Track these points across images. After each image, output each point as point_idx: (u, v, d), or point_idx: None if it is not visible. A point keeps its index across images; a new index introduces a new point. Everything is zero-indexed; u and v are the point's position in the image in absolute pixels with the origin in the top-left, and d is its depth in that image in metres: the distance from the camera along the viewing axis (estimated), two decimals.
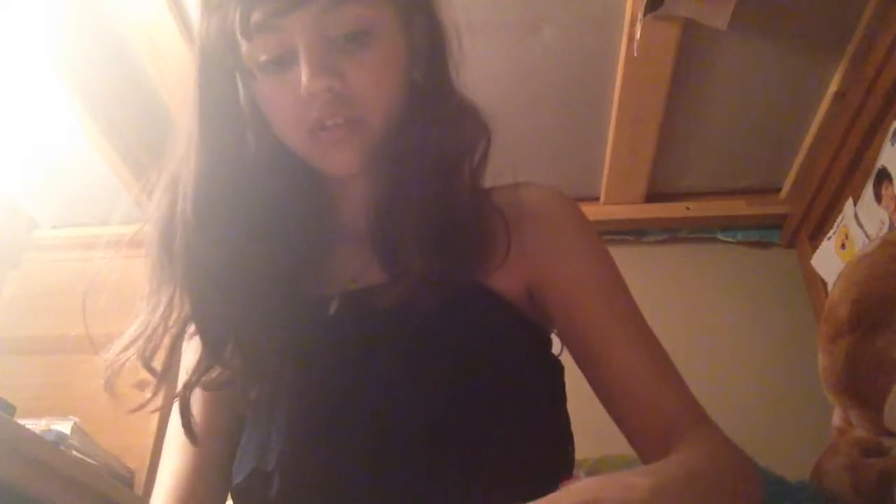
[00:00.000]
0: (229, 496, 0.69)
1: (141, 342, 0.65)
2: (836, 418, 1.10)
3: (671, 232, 1.81)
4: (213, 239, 0.62)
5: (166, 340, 0.66)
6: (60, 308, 1.77)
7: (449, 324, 0.62)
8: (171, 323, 0.66)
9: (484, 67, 1.53)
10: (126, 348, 0.66)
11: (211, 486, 0.68)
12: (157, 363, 0.66)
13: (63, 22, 1.50)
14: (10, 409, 1.35)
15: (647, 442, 0.63)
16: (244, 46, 0.60)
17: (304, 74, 0.58)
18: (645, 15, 1.36)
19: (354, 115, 0.61)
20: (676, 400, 0.63)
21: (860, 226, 1.41)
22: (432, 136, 0.64)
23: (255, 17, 0.57)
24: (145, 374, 0.67)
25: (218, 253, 0.62)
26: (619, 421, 0.66)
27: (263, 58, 0.60)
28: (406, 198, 0.64)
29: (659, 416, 0.62)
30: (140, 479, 1.49)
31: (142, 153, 1.68)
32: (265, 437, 0.62)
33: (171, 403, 0.67)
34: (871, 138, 1.39)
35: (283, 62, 0.60)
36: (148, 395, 0.66)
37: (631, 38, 1.42)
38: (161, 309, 0.66)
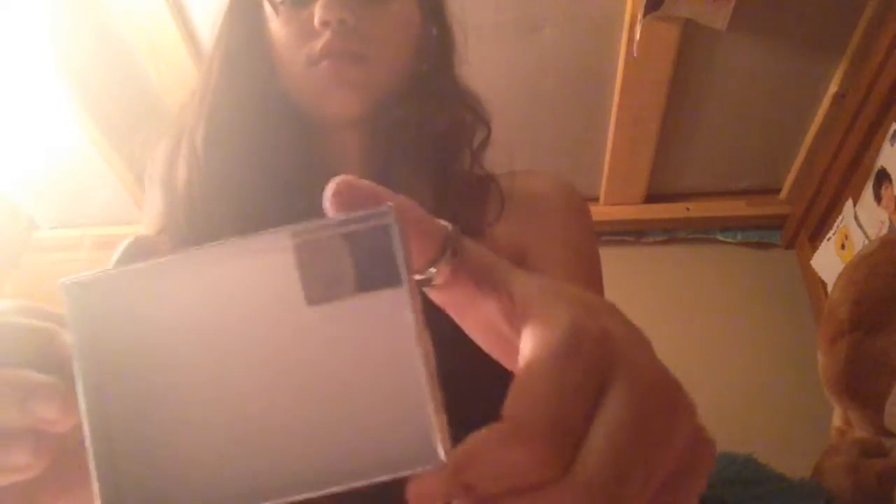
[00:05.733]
0: None
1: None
2: (837, 418, 1.10)
3: (671, 233, 1.81)
4: (216, 181, 0.65)
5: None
6: (60, 308, 1.77)
7: None
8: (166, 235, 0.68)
9: (484, 67, 1.54)
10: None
11: None
12: None
13: (63, 22, 1.50)
14: None
15: None
16: None
17: (319, 5, 0.62)
18: (645, 15, 1.36)
19: (360, 51, 0.63)
20: None
21: (860, 226, 1.41)
22: (428, 113, 0.67)
23: None
24: None
25: (218, 189, 0.65)
26: None
27: None
28: (403, 159, 0.67)
29: None
30: None
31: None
32: None
33: None
34: (871, 139, 1.40)
35: (302, 2, 0.64)
36: None
37: (631, 39, 1.42)
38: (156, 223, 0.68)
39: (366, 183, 0.26)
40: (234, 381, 0.25)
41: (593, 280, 0.70)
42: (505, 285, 0.27)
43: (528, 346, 0.24)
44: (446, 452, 0.23)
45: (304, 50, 0.63)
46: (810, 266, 1.62)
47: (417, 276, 0.27)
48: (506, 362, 0.28)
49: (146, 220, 0.69)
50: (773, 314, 1.69)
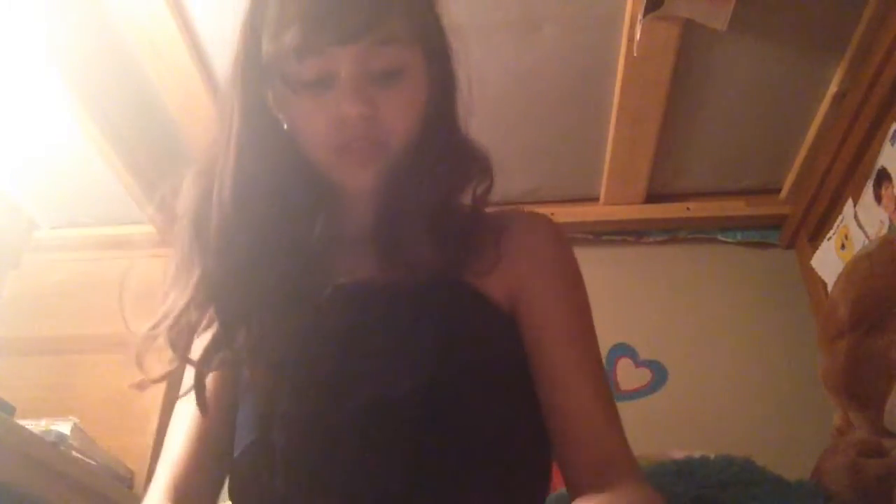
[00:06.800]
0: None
1: (169, 321, 0.70)
2: (837, 419, 1.10)
3: (671, 232, 1.81)
4: (245, 225, 0.68)
5: (191, 320, 0.70)
6: (60, 308, 1.77)
7: (433, 309, 0.69)
8: (196, 304, 0.70)
9: (485, 68, 1.54)
10: (157, 325, 0.70)
11: (214, 454, 0.72)
12: (181, 342, 0.70)
13: (63, 22, 1.50)
14: (10, 409, 1.35)
15: (583, 474, 0.67)
16: (293, 64, 0.66)
17: (344, 100, 0.65)
18: (645, 15, 1.36)
19: (380, 138, 0.68)
20: (618, 442, 0.67)
21: (860, 226, 1.41)
22: (436, 169, 0.72)
23: (313, 41, 0.65)
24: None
25: (247, 240, 0.68)
26: (560, 447, 0.69)
27: (307, 77, 0.67)
28: (409, 208, 0.71)
29: (600, 452, 0.66)
30: (140, 479, 1.49)
31: (141, 154, 1.68)
32: (267, 413, 0.67)
33: (182, 381, 0.71)
34: (871, 139, 1.40)
35: (322, 85, 0.67)
36: (162, 369, 0.71)
37: (631, 39, 1.42)
38: (189, 290, 0.70)
39: None
40: None
41: (583, 310, 0.74)
42: None
43: None
44: None
45: (327, 134, 0.67)
46: (810, 266, 1.62)
47: None
48: None
49: (179, 283, 0.71)
50: (773, 314, 1.70)
